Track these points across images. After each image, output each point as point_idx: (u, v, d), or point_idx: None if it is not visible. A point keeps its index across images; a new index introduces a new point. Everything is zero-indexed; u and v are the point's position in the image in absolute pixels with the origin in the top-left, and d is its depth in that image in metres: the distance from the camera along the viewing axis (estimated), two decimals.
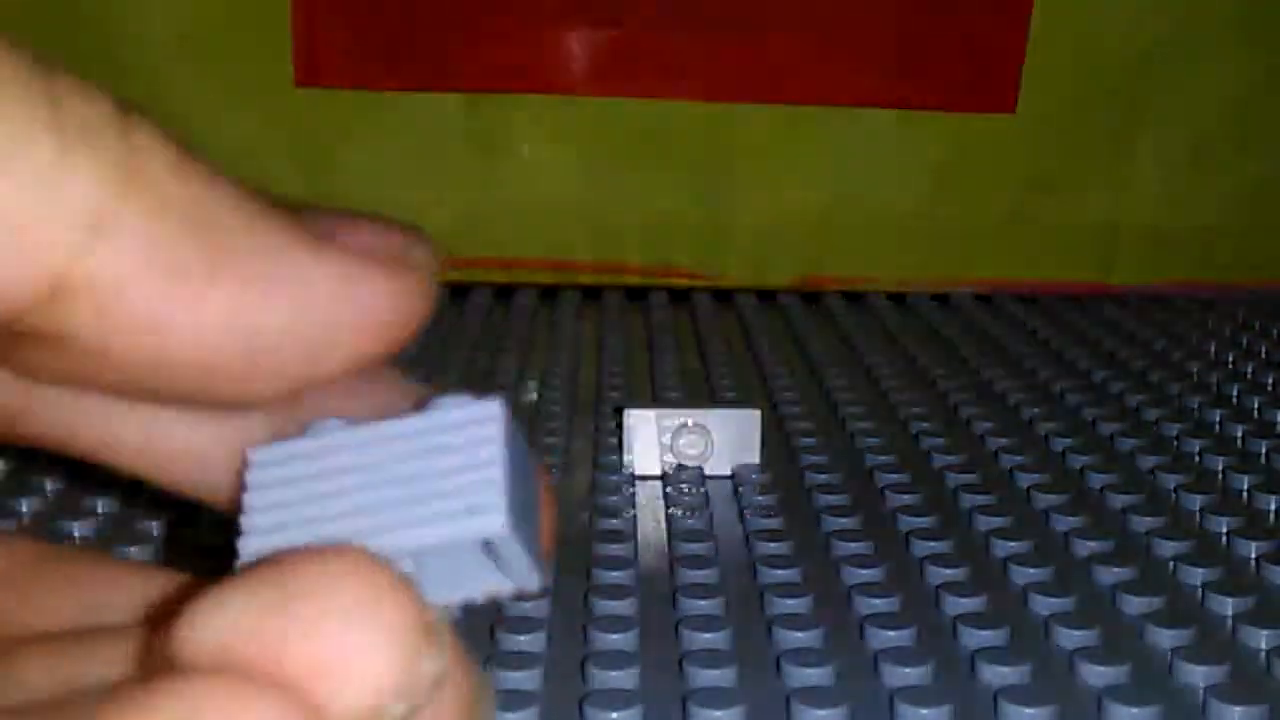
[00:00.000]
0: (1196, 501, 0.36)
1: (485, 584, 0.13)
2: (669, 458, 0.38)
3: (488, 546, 0.13)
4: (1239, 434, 0.42)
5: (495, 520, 0.12)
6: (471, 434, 0.13)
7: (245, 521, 0.13)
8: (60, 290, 0.11)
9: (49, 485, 0.35)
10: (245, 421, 0.14)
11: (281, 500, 0.13)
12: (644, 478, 0.38)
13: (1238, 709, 0.26)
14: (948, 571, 0.31)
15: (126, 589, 0.15)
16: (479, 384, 0.45)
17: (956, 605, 0.30)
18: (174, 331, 0.12)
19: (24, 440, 0.15)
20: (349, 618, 0.11)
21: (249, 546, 0.13)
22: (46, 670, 0.14)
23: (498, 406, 0.13)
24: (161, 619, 0.13)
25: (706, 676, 0.27)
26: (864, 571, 0.31)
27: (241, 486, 0.13)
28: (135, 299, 0.12)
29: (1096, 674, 0.27)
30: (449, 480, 0.12)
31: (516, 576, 0.13)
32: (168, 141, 0.12)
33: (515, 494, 0.13)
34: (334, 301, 0.12)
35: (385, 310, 0.13)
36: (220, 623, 0.11)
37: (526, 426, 0.41)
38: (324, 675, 0.10)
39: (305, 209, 0.13)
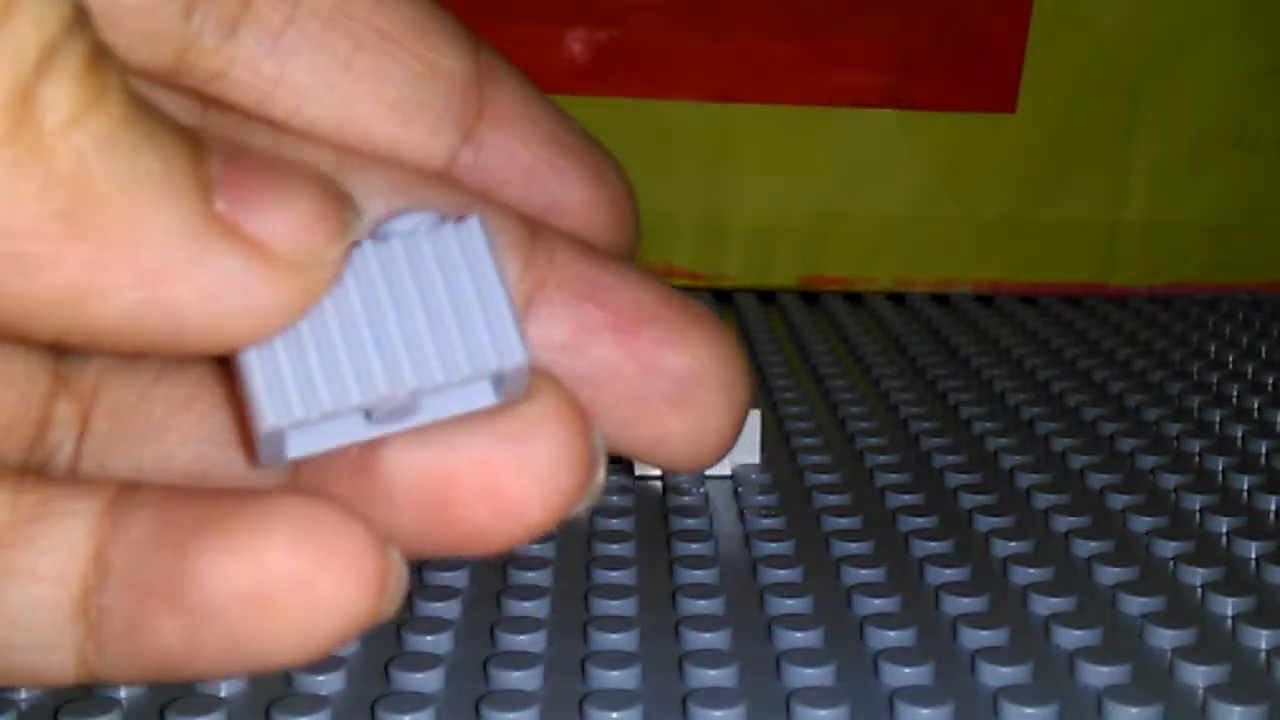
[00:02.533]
0: (1196, 501, 0.36)
1: (486, 396, 0.13)
2: None
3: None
4: (1239, 434, 0.42)
5: (518, 357, 0.12)
6: (462, 260, 0.13)
7: (271, 412, 0.12)
8: None
9: None
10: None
11: (314, 382, 0.12)
12: (644, 478, 0.38)
13: (1238, 709, 0.26)
14: (948, 571, 0.31)
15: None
16: None
17: (956, 605, 0.30)
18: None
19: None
20: (536, 469, 0.13)
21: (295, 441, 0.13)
22: (141, 430, 0.15)
23: (478, 226, 0.13)
24: None
25: (706, 676, 0.27)
26: (864, 571, 0.31)
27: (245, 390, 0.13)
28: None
29: (1096, 674, 0.27)
30: (456, 318, 0.12)
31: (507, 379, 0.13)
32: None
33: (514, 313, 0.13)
34: (215, 294, 0.12)
35: (254, 312, 0.12)
36: (425, 462, 0.13)
37: None
38: (509, 509, 0.13)
39: (229, 151, 0.12)
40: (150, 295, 0.11)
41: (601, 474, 0.13)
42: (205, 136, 0.12)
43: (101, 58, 0.11)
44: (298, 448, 0.13)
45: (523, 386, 0.13)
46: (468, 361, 0.12)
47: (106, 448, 0.15)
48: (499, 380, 0.13)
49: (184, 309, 0.11)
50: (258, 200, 0.12)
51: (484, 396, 0.13)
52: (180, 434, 0.15)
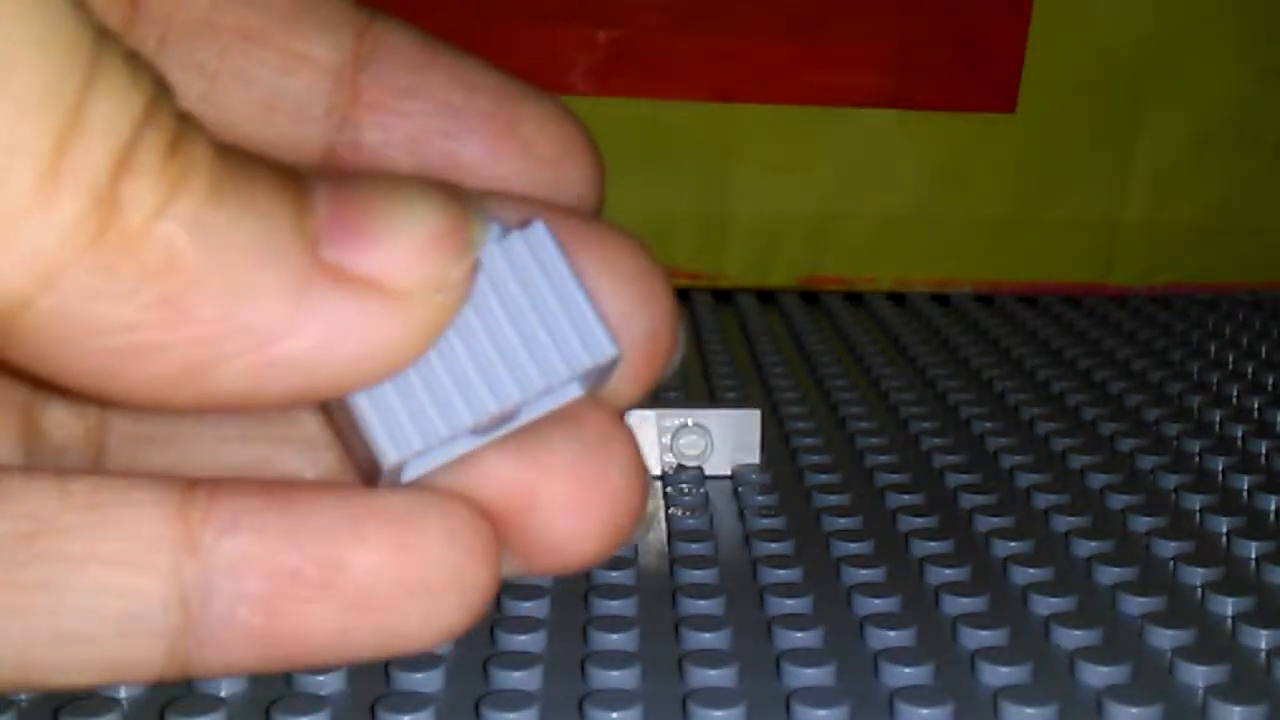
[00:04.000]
0: (1196, 501, 0.36)
1: (579, 388, 0.13)
2: (669, 458, 0.38)
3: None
4: (1239, 434, 0.42)
5: (608, 350, 0.13)
6: (536, 266, 0.13)
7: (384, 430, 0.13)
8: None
9: None
10: None
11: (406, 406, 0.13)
12: None
13: (1238, 709, 0.26)
14: (948, 571, 0.31)
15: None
16: None
17: (956, 605, 0.30)
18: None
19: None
20: (614, 489, 0.13)
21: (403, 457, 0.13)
22: (213, 450, 0.15)
23: (544, 230, 0.13)
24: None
25: (706, 676, 0.27)
26: (864, 571, 0.31)
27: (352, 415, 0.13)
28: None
29: (1096, 674, 0.27)
30: (543, 325, 0.13)
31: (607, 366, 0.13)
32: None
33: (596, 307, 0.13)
34: (319, 348, 0.11)
35: (379, 352, 0.12)
36: (512, 473, 0.13)
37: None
38: (584, 528, 0.13)
39: (334, 184, 0.12)
40: (266, 357, 0.11)
41: (652, 502, 0.14)
42: (309, 174, 0.12)
43: (183, 136, 0.11)
44: (413, 471, 0.13)
45: (608, 379, 0.13)
46: (564, 364, 0.13)
47: (136, 448, 0.15)
48: (587, 376, 0.13)
49: (303, 363, 0.11)
50: (368, 236, 0.12)
51: (572, 391, 0.13)
52: (220, 432, 0.15)
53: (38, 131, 0.10)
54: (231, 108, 0.14)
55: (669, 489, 0.37)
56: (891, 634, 0.28)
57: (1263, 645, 0.29)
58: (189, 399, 0.12)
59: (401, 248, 0.12)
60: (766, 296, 0.60)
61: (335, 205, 0.12)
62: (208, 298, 0.11)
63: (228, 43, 0.14)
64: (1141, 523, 0.35)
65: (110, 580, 0.12)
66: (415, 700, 0.25)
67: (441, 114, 0.14)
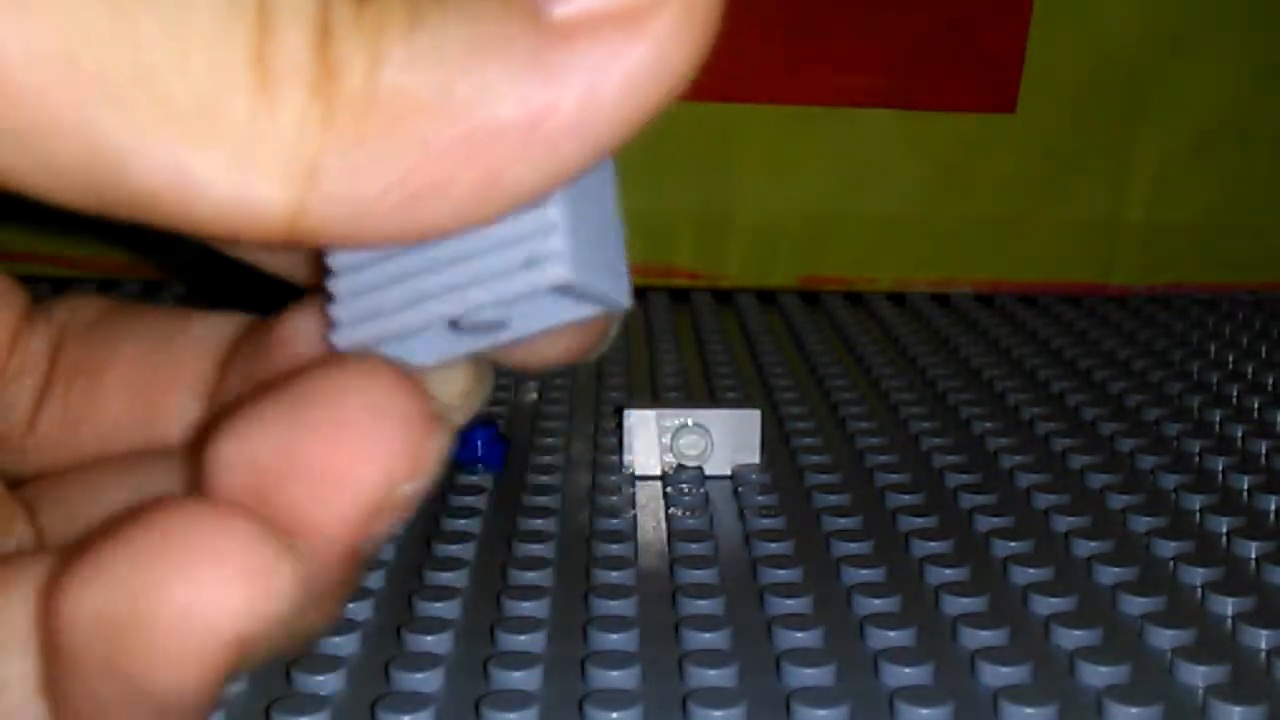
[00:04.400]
0: (1196, 501, 0.36)
1: (576, 311, 0.13)
2: (669, 458, 0.38)
3: (562, 287, 0.12)
4: (1239, 434, 0.42)
5: (558, 270, 0.12)
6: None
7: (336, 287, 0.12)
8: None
9: None
10: None
11: (370, 279, 0.12)
12: (644, 478, 0.38)
13: (1238, 709, 0.26)
14: (948, 571, 0.31)
15: (198, 328, 0.16)
16: None
17: (956, 605, 0.30)
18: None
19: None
20: (349, 429, 0.12)
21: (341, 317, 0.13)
22: (89, 498, 0.15)
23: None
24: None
25: (706, 676, 0.27)
26: (864, 571, 0.31)
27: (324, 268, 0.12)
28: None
29: (1096, 674, 0.27)
30: (510, 228, 0.12)
31: (602, 302, 0.13)
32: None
33: (583, 230, 0.12)
34: (578, 113, 0.11)
35: (650, 79, 0.11)
36: (238, 448, 0.12)
37: (529, 424, 0.41)
38: (324, 479, 0.12)
39: None
40: (544, 142, 0.11)
41: (439, 444, 0.12)
42: None
43: None
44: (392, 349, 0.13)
45: (614, 300, 0.13)
46: (535, 273, 0.12)
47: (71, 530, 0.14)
48: (578, 296, 0.13)
49: (582, 127, 0.11)
50: None
51: (573, 312, 0.13)
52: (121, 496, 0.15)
53: (233, 52, 0.10)
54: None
55: (669, 489, 0.37)
56: (891, 634, 0.28)
57: (1263, 645, 0.29)
58: (495, 208, 0.11)
59: None
60: (766, 296, 0.60)
61: None
62: (459, 118, 0.11)
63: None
64: (1141, 523, 0.35)
65: None
66: (415, 700, 0.25)
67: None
